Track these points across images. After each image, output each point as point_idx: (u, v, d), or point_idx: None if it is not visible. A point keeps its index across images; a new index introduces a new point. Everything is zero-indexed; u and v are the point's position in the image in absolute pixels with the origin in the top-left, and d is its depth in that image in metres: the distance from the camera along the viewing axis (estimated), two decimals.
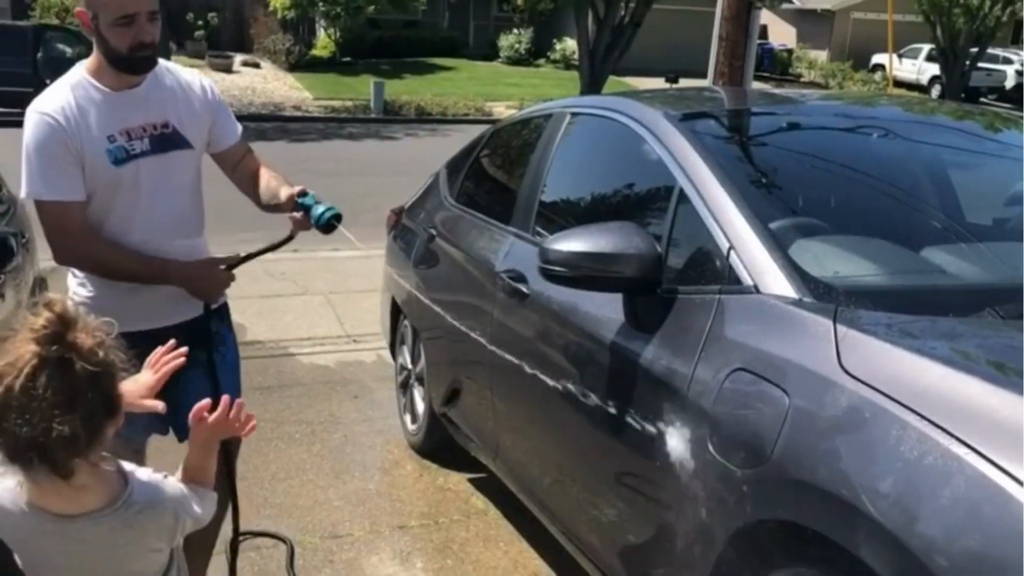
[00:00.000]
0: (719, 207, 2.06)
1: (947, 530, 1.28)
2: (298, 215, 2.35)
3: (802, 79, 31.21)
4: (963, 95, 25.53)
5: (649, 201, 2.42)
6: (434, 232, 3.62)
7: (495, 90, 23.71)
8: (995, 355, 1.60)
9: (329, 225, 2.30)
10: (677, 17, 29.12)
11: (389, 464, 3.86)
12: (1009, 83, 29.87)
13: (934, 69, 28.65)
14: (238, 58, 25.36)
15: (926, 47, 29.23)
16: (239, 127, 2.53)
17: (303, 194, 2.35)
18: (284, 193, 2.40)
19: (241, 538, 2.75)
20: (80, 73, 2.25)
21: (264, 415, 4.29)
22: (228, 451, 2.44)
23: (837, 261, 1.98)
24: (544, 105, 3.43)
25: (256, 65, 25.57)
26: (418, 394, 3.93)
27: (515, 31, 29.77)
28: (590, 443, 2.28)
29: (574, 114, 2.96)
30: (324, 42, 27.43)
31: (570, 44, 28.19)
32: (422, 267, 3.67)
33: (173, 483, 1.57)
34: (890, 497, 1.37)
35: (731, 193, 2.08)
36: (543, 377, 2.52)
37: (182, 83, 2.38)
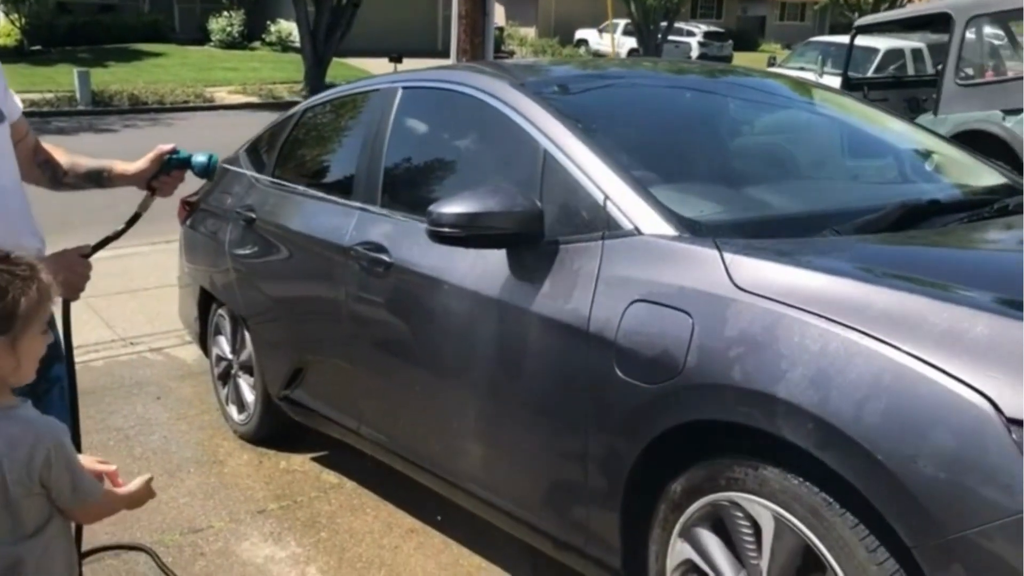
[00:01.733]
0: (588, 164, 2.28)
1: (857, 400, 1.60)
2: (167, 177, 2.26)
3: (515, 55, 32.59)
4: None
5: (513, 164, 2.59)
6: (253, 215, 3.57)
7: (212, 75, 22.69)
8: (854, 260, 1.97)
9: (215, 168, 2.34)
10: None
11: (223, 456, 3.78)
12: (694, 54, 33.16)
13: (631, 42, 31.12)
14: None
15: (622, 22, 31.65)
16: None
17: (175, 151, 2.27)
18: (134, 164, 2.24)
19: (85, 559, 2.58)
20: None
21: None
22: None
23: (697, 202, 2.29)
24: (365, 82, 3.48)
25: None
26: (244, 383, 3.87)
27: (226, 14, 28.52)
28: (486, 389, 2.43)
29: (406, 88, 3.06)
30: (7, 29, 24.78)
31: (285, 26, 27.53)
32: (243, 252, 3.61)
33: (71, 444, 1.67)
34: (803, 383, 1.67)
35: (595, 150, 2.32)
36: (423, 336, 2.64)
37: None
